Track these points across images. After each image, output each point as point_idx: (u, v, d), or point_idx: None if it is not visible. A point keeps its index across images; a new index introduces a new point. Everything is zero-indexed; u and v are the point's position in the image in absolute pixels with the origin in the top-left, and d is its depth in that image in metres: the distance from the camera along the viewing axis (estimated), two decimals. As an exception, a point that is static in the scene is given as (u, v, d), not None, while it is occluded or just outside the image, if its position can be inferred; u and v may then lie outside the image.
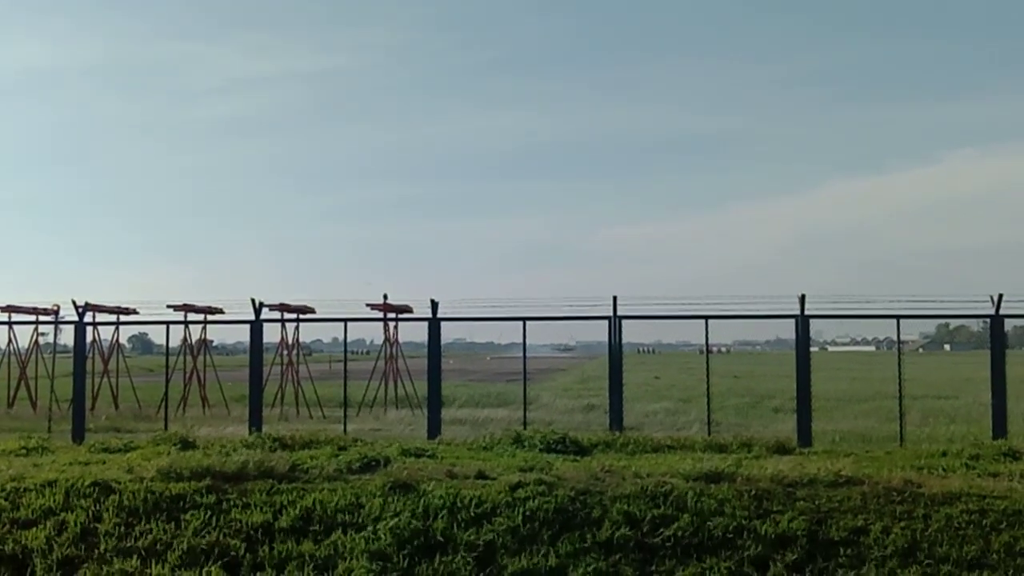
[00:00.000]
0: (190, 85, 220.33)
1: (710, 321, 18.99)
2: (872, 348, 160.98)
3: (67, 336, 29.89)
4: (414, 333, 30.19)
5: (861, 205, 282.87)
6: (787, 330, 19.75)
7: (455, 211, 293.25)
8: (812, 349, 19.42)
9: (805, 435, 17.83)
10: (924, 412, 24.69)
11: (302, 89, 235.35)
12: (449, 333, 20.50)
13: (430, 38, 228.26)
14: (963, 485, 12.01)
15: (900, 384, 18.70)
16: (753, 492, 11.68)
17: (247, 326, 21.03)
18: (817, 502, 11.45)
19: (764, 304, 18.95)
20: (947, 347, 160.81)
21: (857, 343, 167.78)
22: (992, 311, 18.36)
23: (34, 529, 11.28)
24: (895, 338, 21.48)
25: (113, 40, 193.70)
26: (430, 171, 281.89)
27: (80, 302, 22.45)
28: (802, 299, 18.30)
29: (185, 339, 30.54)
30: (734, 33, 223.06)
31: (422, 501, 11.45)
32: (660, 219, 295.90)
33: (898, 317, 18.79)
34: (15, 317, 28.87)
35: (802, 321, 18.45)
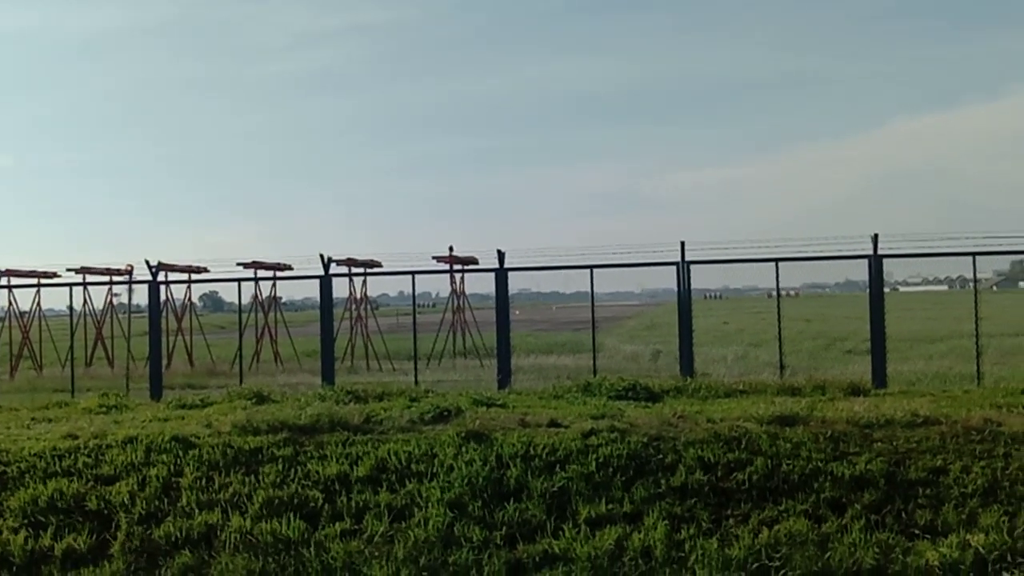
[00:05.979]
0: (257, 43, 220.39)
1: (780, 264, 18.77)
2: (944, 287, 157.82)
3: (139, 296, 30.52)
4: (479, 285, 30.18)
5: (931, 142, 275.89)
6: (857, 272, 19.44)
7: (520, 161, 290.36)
8: (884, 290, 19.07)
9: (880, 376, 17.60)
10: (1001, 351, 24.21)
11: (368, 43, 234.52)
12: (514, 284, 20.51)
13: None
14: (1045, 423, 11.75)
15: (977, 323, 18.34)
16: (828, 434, 11.57)
17: (315, 282, 21.27)
18: (895, 443, 11.30)
19: (835, 245, 18.67)
20: (1022, 284, 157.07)
21: (929, 282, 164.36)
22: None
23: (117, 484, 11.55)
24: (968, 276, 20.97)
25: (181, 0, 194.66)
26: (494, 122, 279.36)
27: (152, 262, 22.81)
28: (875, 238, 17.97)
29: (256, 296, 30.96)
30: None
31: (495, 450, 11.51)
32: (727, 163, 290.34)
33: (974, 254, 18.31)
34: (89, 278, 29.49)
35: (875, 261, 18.12)
